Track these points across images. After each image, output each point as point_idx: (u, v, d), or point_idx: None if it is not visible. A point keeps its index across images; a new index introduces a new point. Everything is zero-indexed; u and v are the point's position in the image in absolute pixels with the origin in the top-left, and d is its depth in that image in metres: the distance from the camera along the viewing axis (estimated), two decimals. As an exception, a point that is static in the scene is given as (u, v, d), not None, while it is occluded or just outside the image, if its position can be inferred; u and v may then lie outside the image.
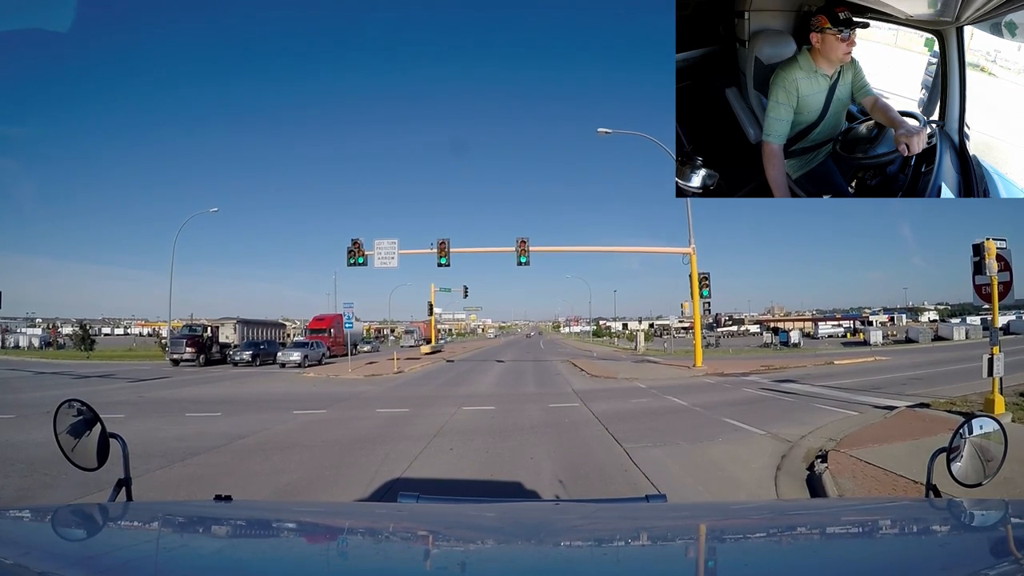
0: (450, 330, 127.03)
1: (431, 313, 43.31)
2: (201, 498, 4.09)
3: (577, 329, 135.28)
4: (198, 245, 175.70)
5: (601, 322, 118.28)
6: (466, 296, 43.58)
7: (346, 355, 42.53)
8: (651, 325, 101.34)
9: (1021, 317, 45.13)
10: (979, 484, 1.52)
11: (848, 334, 61.79)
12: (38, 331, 61.84)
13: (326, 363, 30.45)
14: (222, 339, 34.29)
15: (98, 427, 1.61)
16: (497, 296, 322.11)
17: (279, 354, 28.87)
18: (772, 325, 76.51)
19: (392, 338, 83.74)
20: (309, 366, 28.08)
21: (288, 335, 52.97)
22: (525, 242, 22.60)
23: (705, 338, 63.68)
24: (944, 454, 1.56)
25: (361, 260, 23.07)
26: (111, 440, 1.61)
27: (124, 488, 1.55)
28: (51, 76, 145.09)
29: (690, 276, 22.72)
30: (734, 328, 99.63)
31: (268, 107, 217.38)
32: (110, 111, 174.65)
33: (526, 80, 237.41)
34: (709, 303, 23.08)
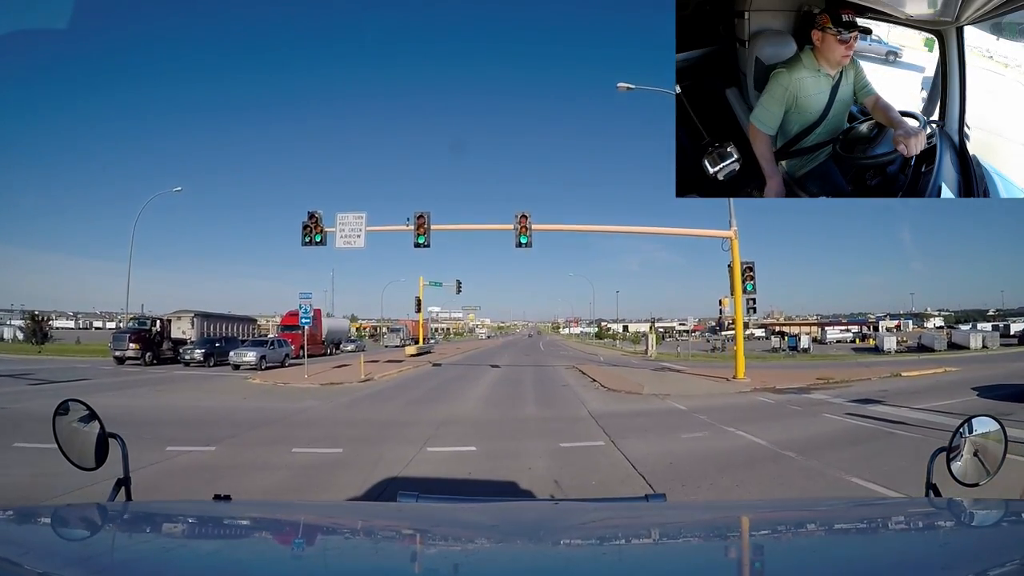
0: (447, 330, 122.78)
1: (419, 309, 38.72)
2: None
3: (577, 330, 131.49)
4: (196, 242, 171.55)
5: (602, 323, 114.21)
6: (459, 292, 38.64)
7: (325, 354, 38.41)
8: (652, 327, 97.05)
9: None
10: (979, 484, 1.49)
11: (857, 339, 59.99)
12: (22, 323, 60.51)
13: (291, 364, 26.12)
14: (178, 334, 30.02)
15: (97, 426, 1.58)
16: (496, 296, 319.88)
17: (231, 354, 24.45)
18: (778, 329, 73.24)
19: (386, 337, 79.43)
20: (268, 368, 23.76)
21: (268, 331, 48.72)
22: (527, 218, 17.95)
23: (709, 341, 60.21)
24: (944, 454, 1.54)
25: (319, 238, 18.34)
26: (111, 440, 1.58)
27: (123, 488, 1.51)
28: (43, 72, 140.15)
29: (729, 266, 17.75)
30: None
31: (264, 104, 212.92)
32: (109, 106, 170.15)
33: (524, 76, 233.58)
34: (754, 299, 18.67)
